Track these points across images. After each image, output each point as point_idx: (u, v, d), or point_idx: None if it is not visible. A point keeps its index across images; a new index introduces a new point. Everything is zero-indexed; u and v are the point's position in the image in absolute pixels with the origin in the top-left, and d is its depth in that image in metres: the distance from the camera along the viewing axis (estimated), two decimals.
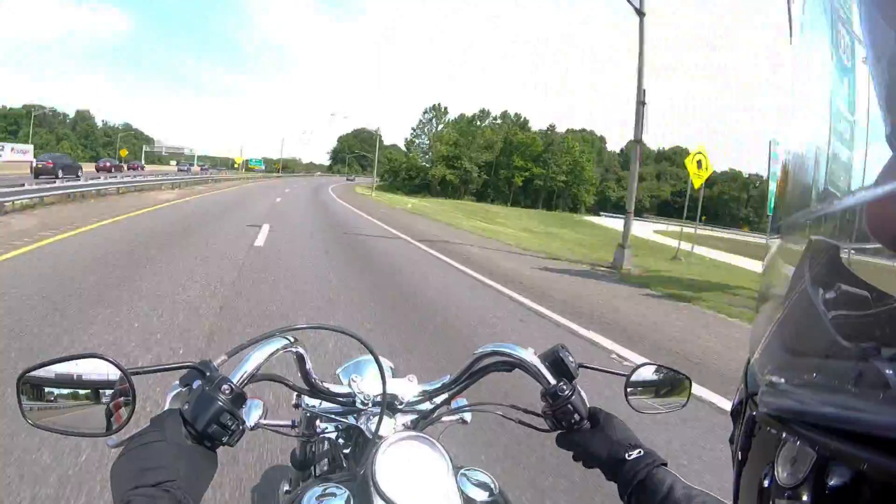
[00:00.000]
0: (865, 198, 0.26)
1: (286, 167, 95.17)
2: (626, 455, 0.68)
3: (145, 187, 20.41)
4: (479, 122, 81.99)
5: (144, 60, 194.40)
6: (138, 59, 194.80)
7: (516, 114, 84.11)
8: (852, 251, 0.29)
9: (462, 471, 0.71)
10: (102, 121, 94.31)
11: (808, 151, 0.33)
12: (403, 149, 78.74)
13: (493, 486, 0.71)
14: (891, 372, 0.23)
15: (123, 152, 48.49)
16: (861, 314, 0.28)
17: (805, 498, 0.26)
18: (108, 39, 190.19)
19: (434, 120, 78.75)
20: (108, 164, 39.37)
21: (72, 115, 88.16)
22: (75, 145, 78.77)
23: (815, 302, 0.30)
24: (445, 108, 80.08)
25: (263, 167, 73.78)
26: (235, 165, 73.83)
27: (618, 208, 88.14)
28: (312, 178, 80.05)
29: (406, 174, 71.55)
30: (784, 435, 0.28)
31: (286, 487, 1.21)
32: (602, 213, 77.35)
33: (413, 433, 0.70)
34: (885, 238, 0.25)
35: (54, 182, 14.85)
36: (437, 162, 71.10)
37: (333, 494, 0.65)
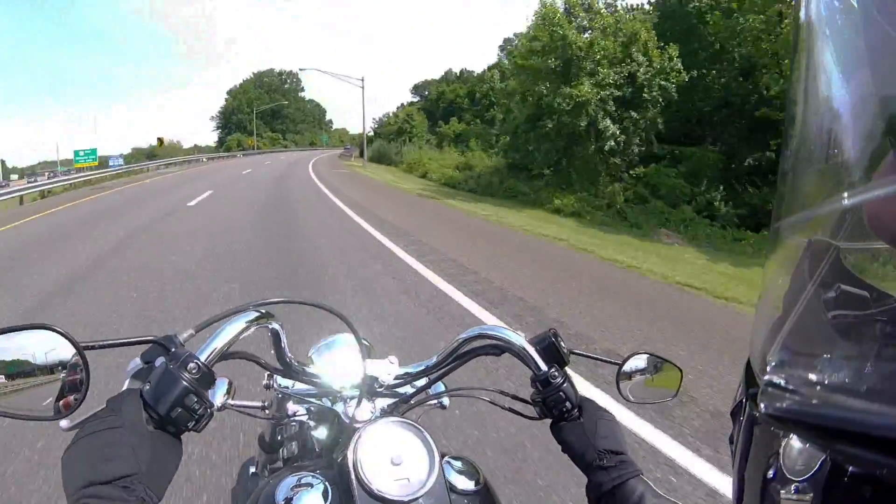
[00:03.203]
0: (866, 196, 0.27)
1: (153, 155, 48.67)
2: (603, 461, 0.68)
3: None
4: None
5: None
6: None
7: None
8: (852, 250, 0.29)
9: (446, 458, 0.70)
10: None
11: (807, 150, 0.34)
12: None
13: (478, 474, 0.70)
14: (891, 372, 0.24)
15: None
16: (861, 314, 0.28)
17: (807, 496, 0.27)
18: None
19: None
20: None
21: None
22: None
23: (815, 302, 0.31)
24: None
25: (122, 162, 32.59)
26: None
27: None
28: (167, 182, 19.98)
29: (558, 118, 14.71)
30: (786, 434, 0.29)
31: (253, 469, 1.16)
32: None
33: (396, 418, 0.67)
34: (887, 235, 0.26)
35: None
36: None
37: (310, 485, 0.62)
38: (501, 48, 48.77)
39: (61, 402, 0.54)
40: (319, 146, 72.15)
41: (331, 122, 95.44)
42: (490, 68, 33.78)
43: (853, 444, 0.24)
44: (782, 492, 0.29)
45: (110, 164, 29.11)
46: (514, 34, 36.81)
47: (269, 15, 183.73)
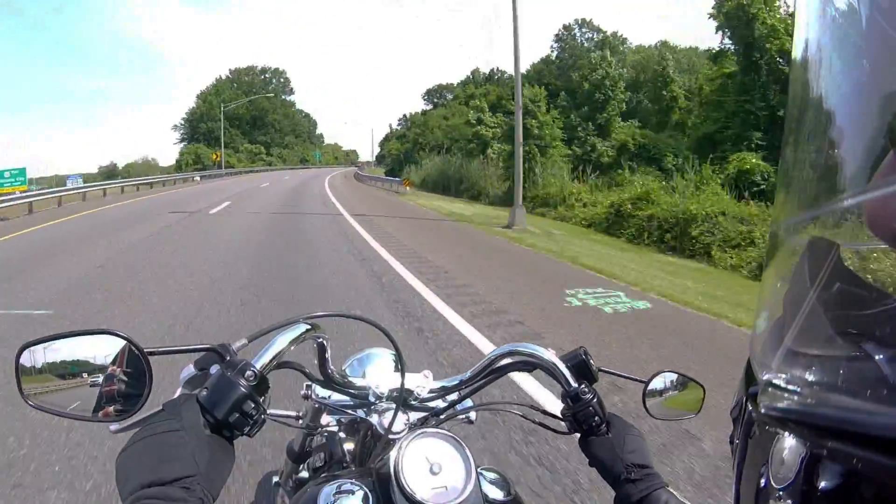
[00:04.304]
0: (866, 196, 0.27)
1: (111, 174, 35.07)
2: (630, 475, 0.71)
3: None
4: None
5: None
6: None
7: None
8: (852, 250, 0.30)
9: (480, 469, 0.72)
10: None
11: (808, 150, 0.35)
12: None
13: (508, 486, 0.73)
14: (890, 372, 0.24)
15: None
16: (861, 314, 0.29)
17: (801, 495, 0.27)
18: None
19: None
20: None
21: None
22: None
23: (815, 302, 0.31)
24: None
25: (80, 181, 23.64)
26: None
27: None
28: None
29: None
30: (778, 432, 0.30)
31: (276, 479, 1.20)
32: None
33: (435, 430, 0.70)
34: (886, 235, 0.26)
35: None
36: None
37: (350, 491, 0.65)
38: (557, 38, 40.91)
39: (112, 407, 0.56)
40: (313, 164, 62.12)
41: (321, 135, 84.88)
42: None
43: (851, 443, 0.24)
44: (775, 490, 0.29)
45: (68, 183, 25.15)
46: (575, 20, 29.22)
47: (257, 18, 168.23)
